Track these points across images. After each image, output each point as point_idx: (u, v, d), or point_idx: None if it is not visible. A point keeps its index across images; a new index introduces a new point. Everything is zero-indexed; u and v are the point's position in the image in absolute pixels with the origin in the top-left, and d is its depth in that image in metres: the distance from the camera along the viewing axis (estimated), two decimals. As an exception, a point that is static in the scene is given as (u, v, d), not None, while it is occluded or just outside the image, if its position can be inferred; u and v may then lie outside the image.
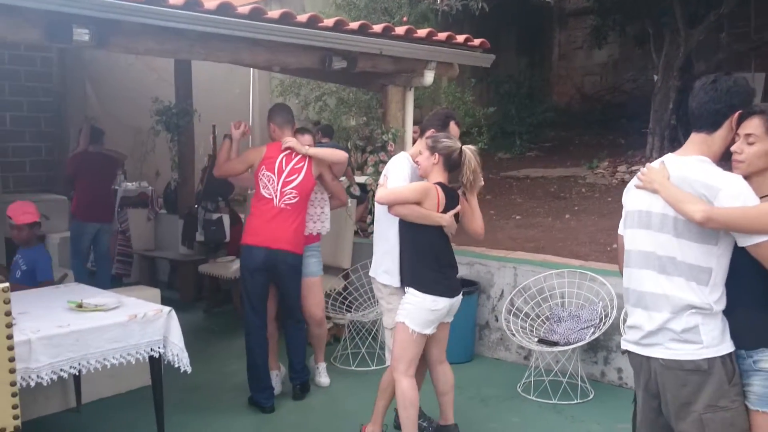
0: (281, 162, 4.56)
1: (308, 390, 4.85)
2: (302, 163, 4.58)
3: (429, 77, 5.66)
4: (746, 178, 2.38)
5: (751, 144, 2.38)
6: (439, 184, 3.70)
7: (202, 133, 7.95)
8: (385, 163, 5.66)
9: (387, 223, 3.83)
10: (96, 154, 6.90)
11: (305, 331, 4.91)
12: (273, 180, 4.53)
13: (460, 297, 3.77)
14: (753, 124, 2.39)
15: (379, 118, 5.88)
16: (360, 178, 6.37)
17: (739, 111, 2.42)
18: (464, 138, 4.27)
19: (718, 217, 2.30)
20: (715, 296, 2.36)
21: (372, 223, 5.87)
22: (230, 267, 6.73)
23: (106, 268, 7.19)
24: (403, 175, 3.79)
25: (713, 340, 2.34)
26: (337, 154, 4.74)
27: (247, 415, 4.51)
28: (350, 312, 5.58)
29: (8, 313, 2.72)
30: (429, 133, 3.83)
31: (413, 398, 3.69)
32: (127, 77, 9.67)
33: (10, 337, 2.75)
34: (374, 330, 5.67)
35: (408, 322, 3.62)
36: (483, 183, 3.77)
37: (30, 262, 4.56)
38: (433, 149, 3.70)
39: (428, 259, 3.69)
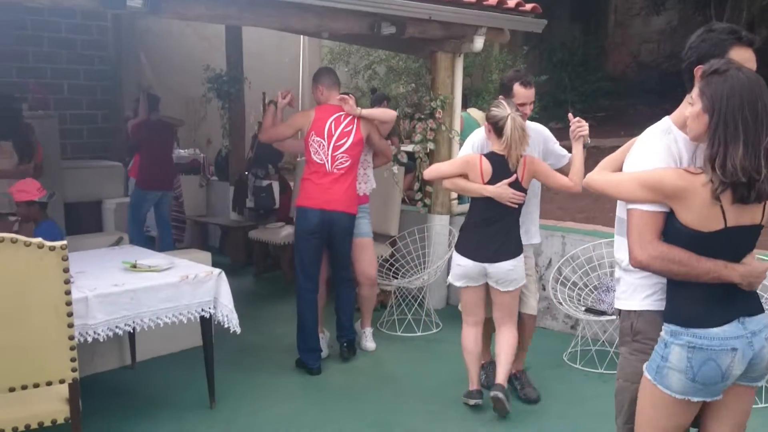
0: (330, 127, 4.57)
1: (354, 350, 4.93)
2: (351, 126, 4.59)
3: (479, 43, 5.58)
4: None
5: (691, 105, 2.13)
6: (491, 153, 3.78)
7: (252, 100, 8.03)
8: (434, 130, 5.69)
9: None
10: (156, 122, 6.97)
11: (354, 292, 4.99)
12: (323, 145, 4.55)
13: (500, 265, 3.84)
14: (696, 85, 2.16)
15: (427, 85, 5.83)
16: (408, 147, 6.35)
17: (699, 68, 2.17)
18: (513, 107, 4.27)
19: (593, 183, 2.39)
20: None
21: (419, 190, 5.89)
22: (279, 233, 6.83)
23: (169, 234, 7.33)
24: (465, 148, 4.00)
25: (623, 294, 2.40)
26: (387, 113, 4.82)
27: (294, 376, 4.61)
28: (396, 278, 5.61)
29: (66, 270, 2.82)
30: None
31: (466, 345, 4.05)
32: (180, 46, 9.77)
33: (68, 293, 2.85)
34: (420, 297, 5.69)
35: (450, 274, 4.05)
36: (522, 153, 3.77)
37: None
38: (486, 118, 3.80)
39: (468, 221, 3.94)
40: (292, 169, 7.74)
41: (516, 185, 3.77)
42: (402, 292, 5.70)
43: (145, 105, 6.95)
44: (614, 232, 2.46)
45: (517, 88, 3.94)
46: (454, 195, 6.04)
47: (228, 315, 3.91)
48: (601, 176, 2.36)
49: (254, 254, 7.41)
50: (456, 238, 5.50)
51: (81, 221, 7.85)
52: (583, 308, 4.87)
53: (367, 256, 4.95)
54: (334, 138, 4.56)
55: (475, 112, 7.46)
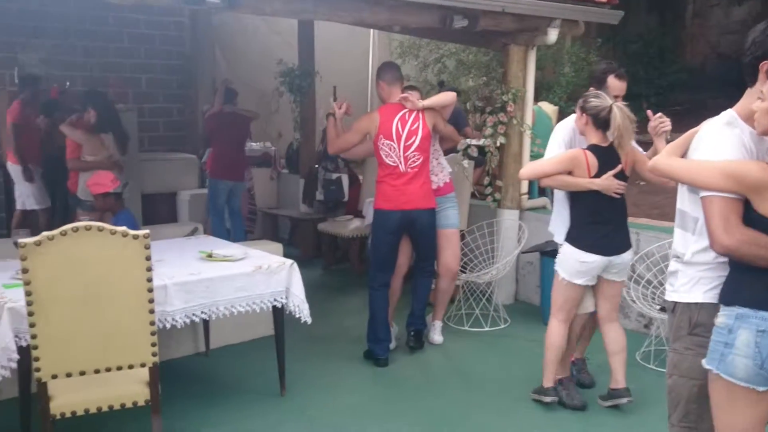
0: (397, 127, 4.55)
1: (422, 341, 4.93)
2: (417, 123, 4.57)
3: (553, 35, 5.48)
4: None
5: (761, 100, 2.14)
6: (593, 146, 3.73)
7: (323, 94, 8.12)
8: (504, 124, 5.63)
9: None
10: (229, 114, 7.08)
11: (431, 283, 5.02)
12: (394, 147, 4.54)
13: (623, 255, 3.82)
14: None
15: (499, 78, 5.76)
16: (478, 141, 6.31)
17: (765, 63, 2.16)
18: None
19: (662, 166, 2.39)
20: (698, 246, 2.32)
21: (489, 185, 5.85)
22: (348, 226, 6.90)
23: (240, 225, 7.46)
24: (558, 143, 3.91)
25: (683, 287, 2.38)
26: (447, 96, 4.77)
27: (363, 367, 4.65)
28: (465, 273, 5.59)
29: (148, 258, 2.93)
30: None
31: (555, 341, 3.91)
32: (253, 41, 9.95)
33: (150, 280, 2.96)
34: (489, 292, 5.66)
35: (559, 270, 3.86)
36: (633, 139, 3.76)
37: None
38: (582, 109, 3.72)
39: (582, 217, 3.80)
40: (360, 163, 7.79)
41: (620, 175, 3.73)
42: (470, 286, 5.68)
43: (222, 96, 7.09)
44: (680, 226, 2.47)
45: (612, 80, 3.91)
46: (524, 190, 5.98)
47: (299, 305, 3.98)
48: (671, 161, 2.37)
49: (323, 246, 7.50)
50: (525, 233, 5.51)
51: (157, 212, 8.12)
52: (658, 307, 4.75)
53: (451, 249, 4.97)
54: (403, 138, 4.55)
55: (546, 106, 7.36)
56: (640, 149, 4.05)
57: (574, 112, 3.86)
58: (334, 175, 7.26)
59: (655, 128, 3.53)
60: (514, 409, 4.05)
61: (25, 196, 7.11)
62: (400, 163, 4.56)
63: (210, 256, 4.03)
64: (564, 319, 3.91)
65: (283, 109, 8.45)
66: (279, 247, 5.09)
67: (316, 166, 7.53)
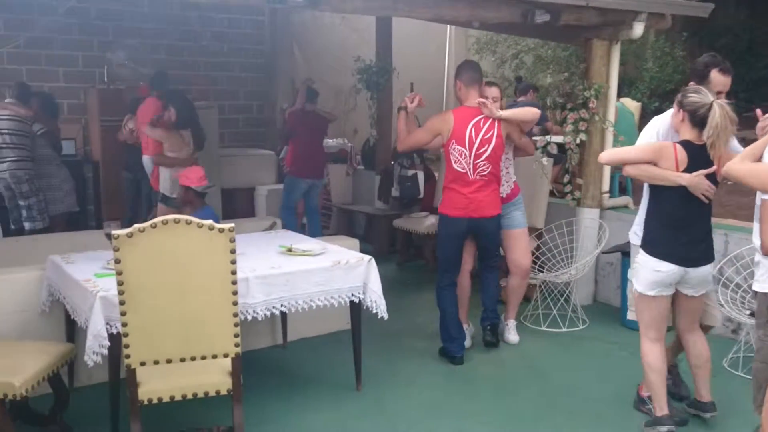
0: (470, 134, 4.43)
1: (497, 335, 4.88)
2: (492, 131, 4.45)
3: (638, 29, 5.31)
4: None
5: None
6: (685, 142, 3.47)
7: (399, 90, 8.13)
8: (586, 120, 5.50)
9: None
10: (310, 113, 7.18)
11: (497, 276, 4.98)
12: (465, 154, 4.44)
13: (702, 269, 3.54)
14: None
15: (581, 73, 5.64)
16: (558, 138, 6.19)
17: None
18: (672, 96, 3.96)
19: (732, 171, 2.51)
20: None
21: (569, 183, 5.74)
22: (423, 223, 6.89)
23: (317, 221, 7.56)
24: (651, 133, 3.68)
25: (762, 277, 2.62)
26: (529, 113, 4.63)
27: (438, 364, 4.64)
28: (542, 272, 5.50)
29: (233, 251, 3.00)
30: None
31: (653, 363, 3.61)
32: (331, 39, 10.05)
33: (234, 272, 3.03)
34: (567, 292, 5.55)
35: (633, 280, 3.62)
36: (730, 140, 3.50)
37: None
38: (679, 105, 3.47)
39: (662, 220, 3.54)
40: (435, 160, 7.77)
41: (711, 177, 3.43)
42: (547, 286, 5.58)
43: (304, 95, 7.19)
44: (758, 220, 2.53)
45: (715, 74, 3.64)
46: (606, 188, 5.84)
47: (376, 300, 4.00)
48: (742, 165, 2.38)
49: (398, 243, 7.52)
50: (606, 233, 5.37)
51: (235, 206, 8.33)
52: (748, 312, 4.54)
53: (520, 246, 4.92)
54: (476, 146, 4.43)
55: (629, 102, 7.17)
56: (741, 148, 3.82)
57: (657, 109, 3.68)
58: (410, 172, 7.26)
59: (764, 128, 3.28)
60: (590, 413, 3.96)
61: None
62: (469, 170, 4.46)
63: (290, 250, 4.10)
64: (656, 337, 3.61)
65: (360, 106, 8.50)
66: (355, 242, 5.13)
67: (392, 162, 7.55)
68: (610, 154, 3.73)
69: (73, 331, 3.92)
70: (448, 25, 10.96)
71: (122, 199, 7.61)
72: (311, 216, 7.49)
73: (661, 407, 3.62)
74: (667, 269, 3.47)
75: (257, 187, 8.55)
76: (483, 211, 4.51)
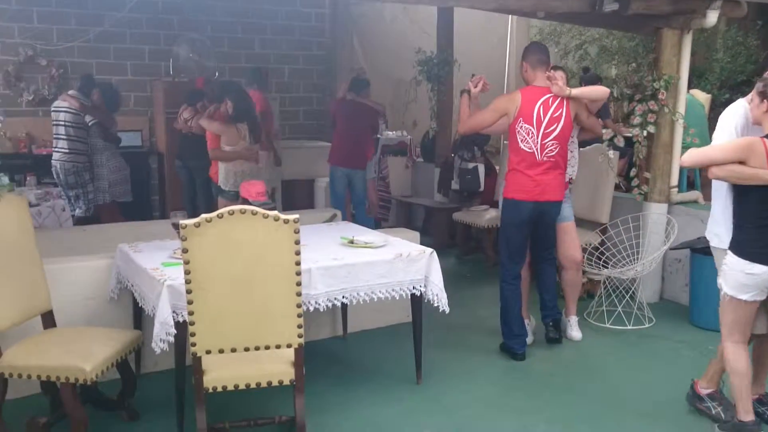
0: (539, 112, 4.33)
1: (560, 331, 4.79)
2: (560, 110, 4.36)
3: (711, 18, 5.12)
4: None
5: None
6: None
7: (460, 82, 8.04)
8: (655, 112, 5.33)
9: (719, 182, 3.53)
10: (351, 103, 7.07)
11: (555, 270, 4.89)
12: (533, 133, 4.34)
13: None
14: None
15: (649, 64, 5.46)
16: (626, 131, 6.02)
17: None
18: (744, 88, 3.77)
19: None
20: None
21: (634, 177, 5.58)
22: (483, 216, 6.82)
23: (362, 213, 7.45)
24: (729, 129, 3.47)
25: None
26: (599, 91, 4.56)
27: (499, 359, 4.58)
28: (606, 268, 5.36)
29: (297, 242, 3.01)
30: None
31: (736, 366, 3.45)
32: (391, 31, 10.03)
33: (298, 263, 3.04)
34: (632, 289, 5.41)
35: (722, 283, 3.45)
36: None
37: None
38: (762, 95, 3.29)
39: (751, 218, 3.34)
40: (494, 153, 7.68)
41: None
42: (612, 282, 5.45)
43: (346, 86, 7.14)
44: None
45: None
46: (674, 182, 5.65)
47: (438, 294, 3.97)
48: None
49: (457, 236, 7.46)
50: (674, 229, 5.20)
51: (295, 197, 8.40)
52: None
53: (571, 240, 4.82)
54: (544, 124, 4.33)
55: (699, 94, 6.91)
56: None
57: (728, 100, 3.48)
58: (471, 165, 7.18)
59: None
60: (657, 413, 3.85)
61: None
62: (537, 150, 4.36)
63: (352, 242, 4.10)
64: (740, 339, 3.45)
65: (420, 98, 8.45)
66: (416, 235, 5.10)
67: (453, 155, 7.48)
68: (692, 156, 3.45)
69: (140, 318, 4.01)
70: (510, 17, 10.83)
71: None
72: (358, 207, 7.44)
73: (746, 411, 3.44)
74: (760, 272, 3.30)
75: (316, 178, 8.61)
76: (549, 194, 4.41)
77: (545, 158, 4.37)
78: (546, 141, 4.35)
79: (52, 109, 6.85)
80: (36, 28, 8.01)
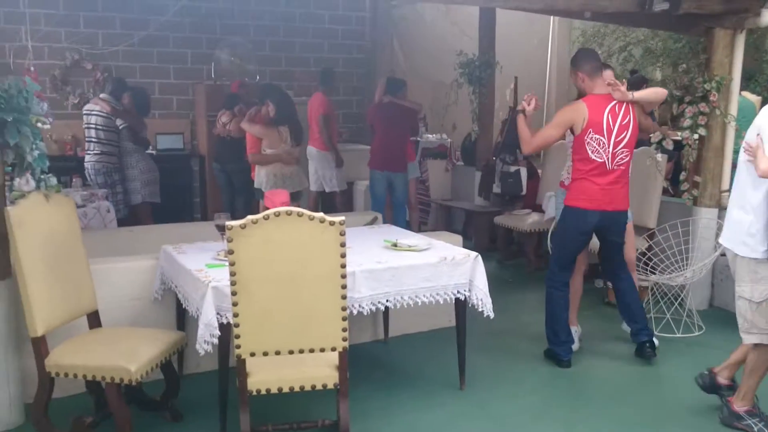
0: (608, 121, 4.21)
1: (655, 349, 4.59)
2: (628, 117, 4.24)
3: (766, 17, 4.96)
4: None
5: None
6: None
7: (501, 85, 7.96)
8: (705, 114, 5.19)
9: (751, 187, 3.38)
10: (388, 105, 6.97)
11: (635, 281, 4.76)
12: (604, 143, 4.22)
13: None
14: None
15: (699, 65, 5.32)
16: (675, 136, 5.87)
17: None
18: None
19: None
20: None
21: (683, 181, 5.43)
22: (526, 220, 6.72)
23: (401, 216, 7.32)
24: None
25: None
26: (659, 93, 4.42)
27: (543, 365, 4.49)
28: (654, 274, 5.22)
29: (343, 245, 2.97)
30: None
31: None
32: (431, 33, 9.97)
33: (343, 266, 3.00)
34: (681, 296, 5.26)
35: (750, 292, 3.38)
36: None
37: None
38: None
39: None
40: (536, 157, 7.55)
41: None
42: (660, 288, 5.31)
43: (383, 87, 7.06)
44: None
45: None
46: (725, 186, 5.49)
47: (483, 299, 3.90)
48: None
49: (498, 240, 7.36)
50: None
51: (334, 200, 8.39)
52: None
53: (629, 240, 4.71)
54: (614, 133, 4.21)
55: (750, 96, 6.73)
56: None
57: None
58: (513, 168, 7.09)
59: None
60: (705, 425, 3.73)
61: (328, 179, 7.72)
62: (608, 160, 4.24)
63: (395, 245, 4.05)
64: None
65: (460, 101, 8.38)
66: (458, 238, 5.04)
67: (494, 158, 7.39)
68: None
69: (183, 319, 4.02)
70: (552, 18, 10.70)
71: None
72: (395, 210, 7.36)
73: None
74: None
75: (356, 182, 8.59)
76: (617, 203, 4.32)
77: (615, 167, 4.26)
78: (617, 149, 4.24)
79: (84, 112, 6.94)
80: (82, 33, 8.15)
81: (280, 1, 9.08)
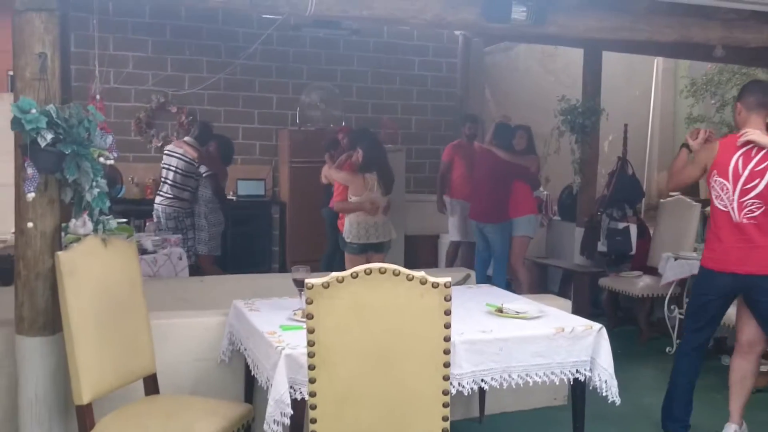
0: (736, 164, 3.62)
1: None
2: (765, 163, 3.59)
3: None
4: None
5: None
6: None
7: (606, 133, 7.32)
8: None
9: None
10: (485, 151, 6.57)
11: None
12: (727, 188, 3.64)
13: None
14: None
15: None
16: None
17: None
18: None
19: None
20: None
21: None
22: (637, 283, 5.99)
23: (500, 272, 6.76)
24: None
25: None
26: None
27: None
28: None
29: (448, 313, 2.38)
30: None
31: None
32: (524, 81, 9.55)
33: (447, 339, 2.40)
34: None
35: None
36: None
37: None
38: None
39: None
40: (648, 209, 6.84)
41: None
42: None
43: (491, 134, 6.66)
44: None
45: None
46: None
47: (607, 380, 3.25)
48: None
49: (602, 304, 6.62)
50: None
51: (418, 254, 7.87)
52: None
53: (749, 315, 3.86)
54: (742, 179, 3.60)
55: None
56: None
57: None
58: (621, 225, 6.39)
59: None
60: None
61: (452, 227, 7.51)
62: (733, 210, 3.63)
63: (500, 310, 3.44)
64: None
65: (559, 151, 7.76)
66: (566, 303, 4.38)
67: (599, 213, 6.69)
68: None
69: (252, 388, 3.49)
70: (656, 67, 10.07)
71: (309, 241, 7.42)
72: (495, 265, 6.71)
73: None
74: None
75: (441, 234, 8.08)
76: (752, 266, 3.61)
77: (744, 219, 3.61)
78: (744, 199, 3.60)
79: (165, 152, 6.68)
80: (169, 76, 8.02)
81: (369, 46, 8.81)
